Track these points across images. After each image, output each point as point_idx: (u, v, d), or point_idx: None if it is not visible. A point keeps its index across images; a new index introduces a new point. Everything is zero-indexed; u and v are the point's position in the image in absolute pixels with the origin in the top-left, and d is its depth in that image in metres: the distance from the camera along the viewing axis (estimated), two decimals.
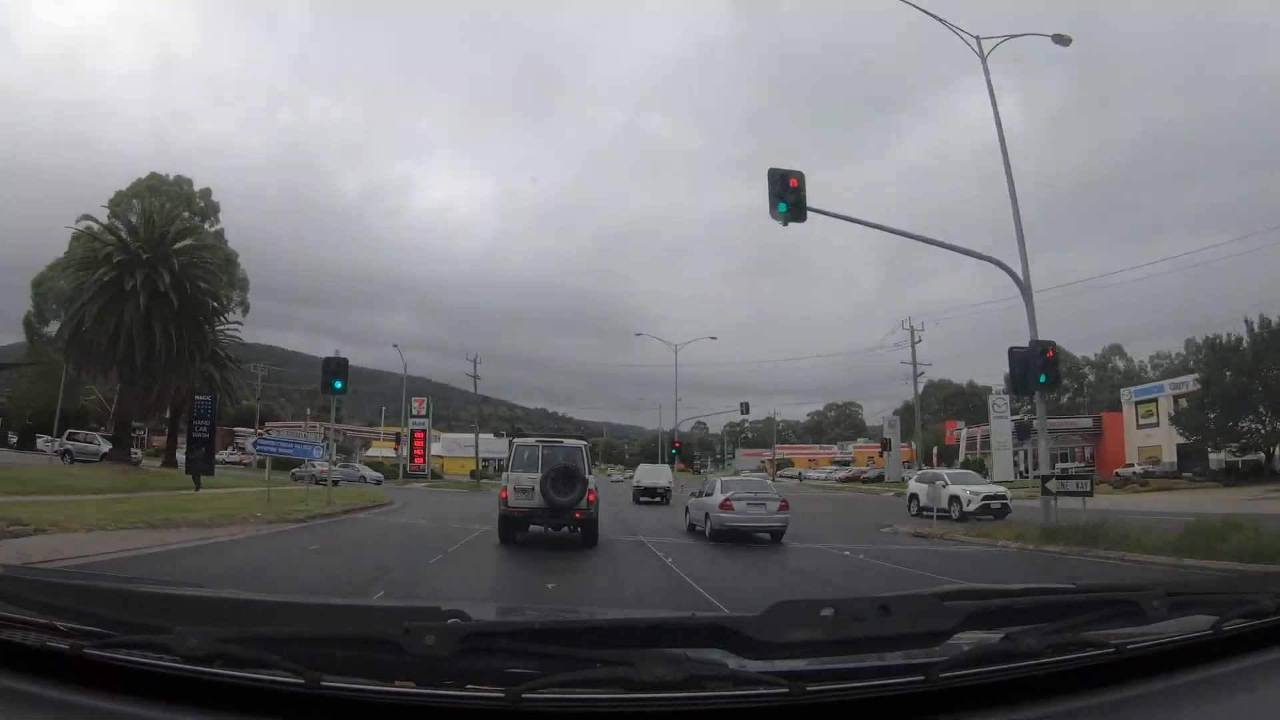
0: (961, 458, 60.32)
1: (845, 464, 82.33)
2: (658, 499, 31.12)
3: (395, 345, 52.23)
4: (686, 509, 18.32)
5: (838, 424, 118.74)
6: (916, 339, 47.47)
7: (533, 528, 12.82)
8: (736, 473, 36.51)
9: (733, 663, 1.11)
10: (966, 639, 1.23)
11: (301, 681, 1.02)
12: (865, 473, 67.61)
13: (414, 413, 60.26)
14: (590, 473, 12.73)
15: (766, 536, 14.84)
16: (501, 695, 1.02)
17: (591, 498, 12.36)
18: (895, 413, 72.43)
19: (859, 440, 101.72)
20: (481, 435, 68.11)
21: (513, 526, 12.48)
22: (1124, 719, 1.15)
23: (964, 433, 64.57)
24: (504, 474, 13.38)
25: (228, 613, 1.42)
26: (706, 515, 15.47)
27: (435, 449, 73.45)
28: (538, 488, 11.98)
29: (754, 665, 1.11)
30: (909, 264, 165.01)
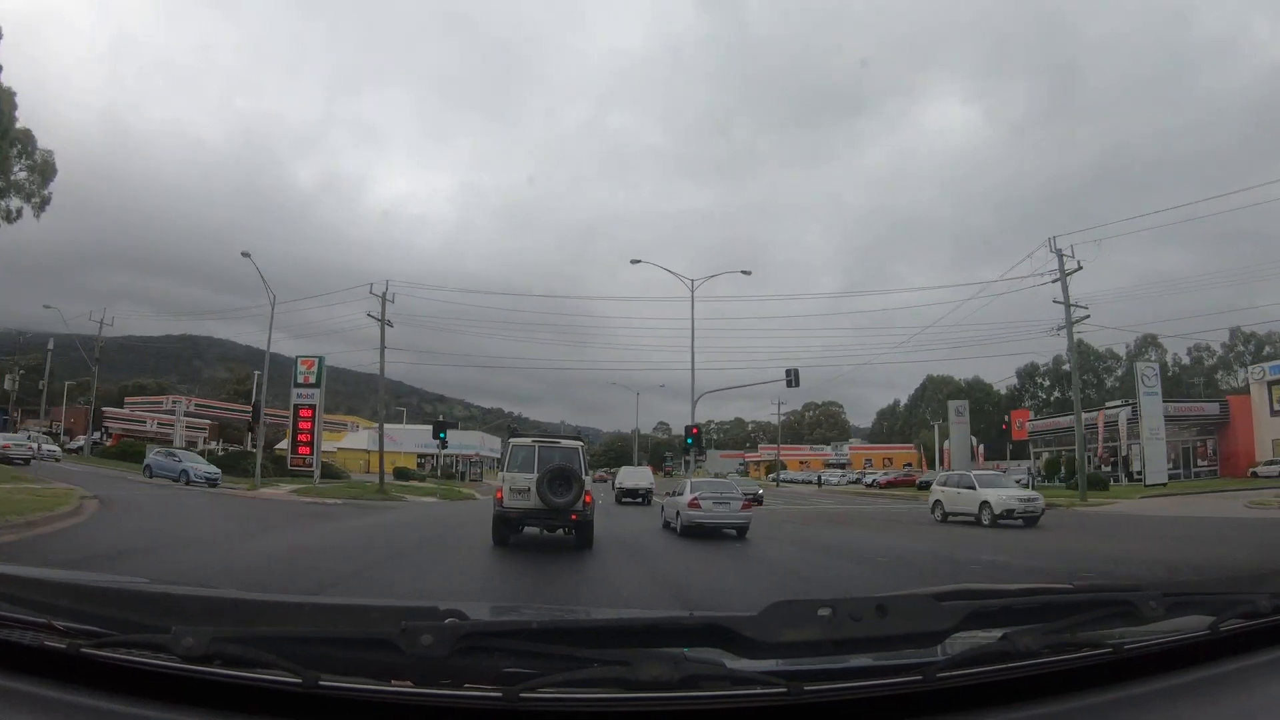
0: (1088, 451, 37.42)
1: (840, 466, 79.34)
2: (639, 499, 32.38)
3: (245, 253, 30.78)
4: (662, 508, 20.05)
5: (819, 424, 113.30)
6: (1071, 266, 29.73)
7: (526, 529, 12.73)
8: (718, 475, 35.09)
9: (730, 662, 1.11)
10: (964, 639, 1.23)
11: (299, 681, 1.02)
12: (918, 476, 53.48)
13: (299, 379, 39.11)
14: (586, 474, 12.65)
15: (733, 532, 16.21)
16: (499, 695, 1.02)
17: (588, 499, 12.31)
18: (911, 396, 69.37)
19: (853, 440, 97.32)
20: (416, 426, 62.54)
21: (507, 528, 12.40)
22: (1121, 719, 1.15)
23: (1091, 417, 41.30)
24: (499, 474, 13.35)
25: (225, 612, 1.41)
26: (677, 513, 16.85)
27: (358, 440, 65.38)
28: (534, 488, 11.90)
29: (751, 665, 1.11)
30: (876, 269, 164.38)
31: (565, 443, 13.16)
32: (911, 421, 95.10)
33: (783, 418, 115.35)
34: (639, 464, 49.74)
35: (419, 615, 1.17)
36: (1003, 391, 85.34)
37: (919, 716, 1.11)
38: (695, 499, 16.41)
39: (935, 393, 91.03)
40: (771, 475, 78.61)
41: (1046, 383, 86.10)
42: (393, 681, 1.04)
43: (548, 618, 1.80)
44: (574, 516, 12.03)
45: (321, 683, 1.02)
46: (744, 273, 53.85)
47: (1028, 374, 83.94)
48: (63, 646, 1.10)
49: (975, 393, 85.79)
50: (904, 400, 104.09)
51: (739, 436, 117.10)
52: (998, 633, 1.21)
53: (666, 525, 17.99)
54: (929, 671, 1.11)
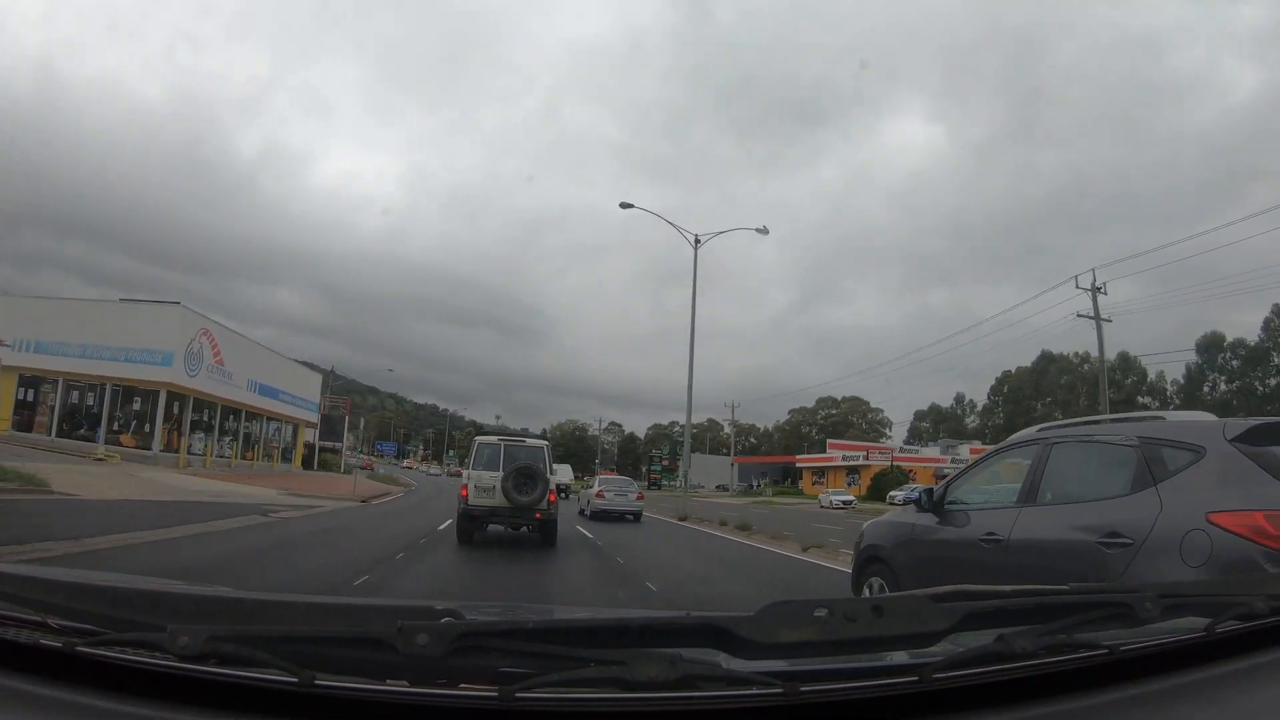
0: None
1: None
2: (562, 494, 38.93)
3: None
4: (578, 497, 26.79)
5: (845, 424, 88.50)
6: None
7: (491, 527, 12.94)
8: (743, 491, 36.49)
9: (726, 662, 1.11)
10: (960, 640, 1.23)
11: (295, 680, 1.02)
12: None
13: None
14: (551, 473, 12.84)
15: (631, 517, 21.87)
16: (495, 694, 1.02)
17: (552, 498, 12.52)
18: None
19: (961, 443, 67.15)
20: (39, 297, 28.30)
21: (472, 525, 12.55)
22: None
23: None
24: (465, 472, 13.42)
25: (221, 610, 1.41)
26: (589, 501, 22.80)
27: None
28: (499, 486, 12.05)
29: (747, 665, 1.11)
30: (827, 284, 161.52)
31: (531, 441, 13.46)
32: (1017, 415, 68.22)
33: (789, 415, 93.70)
34: (605, 466, 55.80)
35: (415, 615, 1.17)
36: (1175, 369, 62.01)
37: (915, 717, 1.12)
38: (600, 491, 22.54)
39: (1062, 374, 68.97)
40: (897, 494, 48.87)
41: (1234, 362, 60.95)
42: (389, 681, 1.04)
43: (544, 617, 1.80)
44: (538, 515, 12.25)
45: (317, 682, 1.02)
46: (760, 230, 33.19)
47: (1210, 344, 61.14)
48: (58, 645, 1.09)
49: (1131, 372, 65.62)
50: (973, 395, 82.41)
51: (715, 440, 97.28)
52: (993, 634, 1.21)
53: (581, 512, 22.92)
54: (925, 672, 1.12)
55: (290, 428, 42.67)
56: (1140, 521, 3.70)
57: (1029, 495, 4.57)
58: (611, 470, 65.28)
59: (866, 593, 5.91)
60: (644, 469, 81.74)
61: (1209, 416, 4.49)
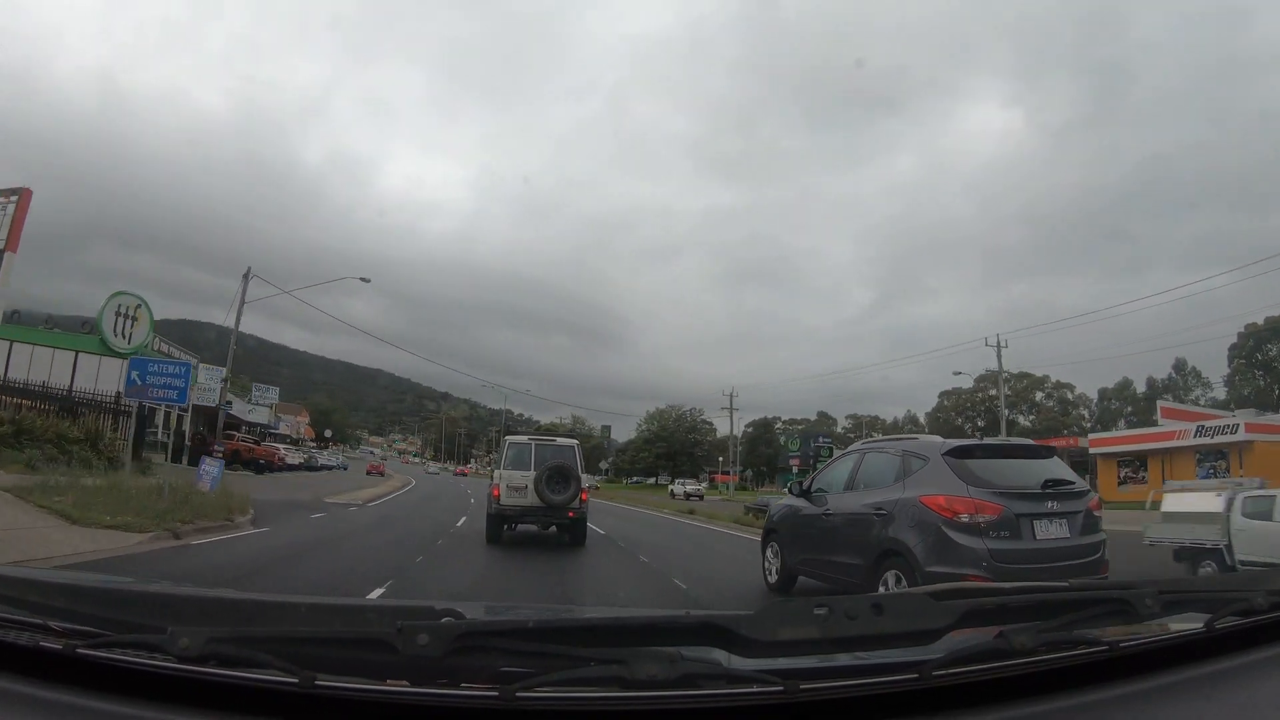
0: None
1: None
2: None
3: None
4: None
5: (1018, 407, 63.39)
6: None
7: (518, 527, 12.83)
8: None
9: (727, 661, 1.11)
10: (960, 637, 1.23)
11: (295, 681, 1.02)
12: None
13: None
14: (583, 471, 12.71)
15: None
16: (495, 694, 1.02)
17: (584, 497, 12.45)
18: None
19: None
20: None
21: (503, 524, 12.47)
22: (1117, 717, 1.15)
23: None
24: (495, 471, 13.26)
25: (221, 612, 1.41)
26: None
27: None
28: (532, 486, 11.97)
29: (748, 664, 1.11)
30: (906, 282, 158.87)
31: (561, 440, 13.29)
32: None
33: (939, 397, 66.01)
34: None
35: (415, 615, 1.17)
36: None
37: (915, 714, 1.11)
38: None
39: None
40: None
41: None
42: (389, 681, 1.04)
43: (544, 616, 1.80)
44: (571, 514, 12.21)
45: (318, 683, 1.02)
46: None
47: None
48: (59, 647, 1.09)
49: None
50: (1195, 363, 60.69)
51: (819, 429, 76.40)
52: (994, 631, 1.21)
53: None
54: (925, 670, 1.12)
55: None
56: (893, 501, 6.29)
57: (849, 484, 7.22)
58: (732, 474, 62.42)
59: (767, 555, 8.60)
60: (797, 470, 58.94)
61: (937, 439, 7.04)
